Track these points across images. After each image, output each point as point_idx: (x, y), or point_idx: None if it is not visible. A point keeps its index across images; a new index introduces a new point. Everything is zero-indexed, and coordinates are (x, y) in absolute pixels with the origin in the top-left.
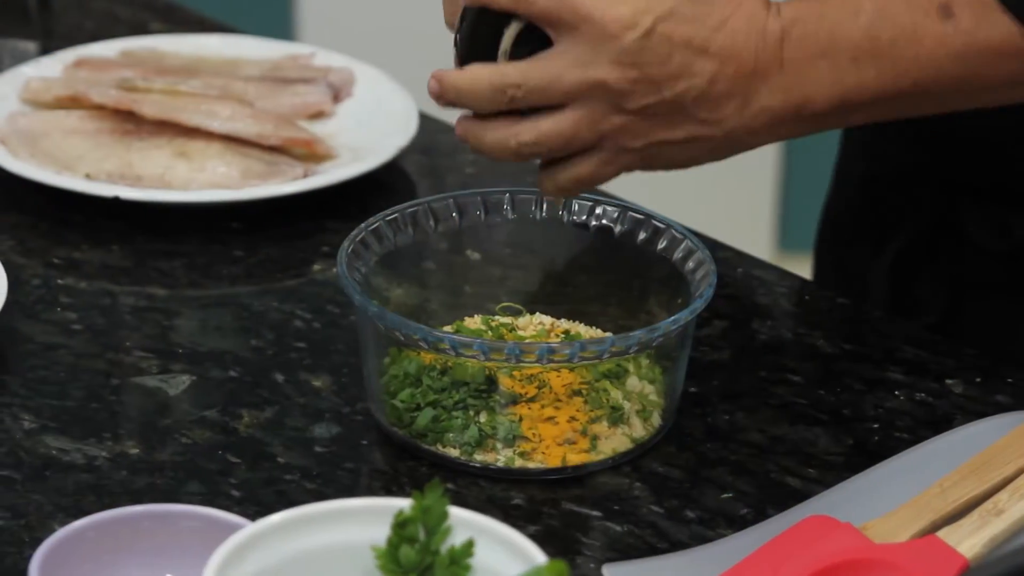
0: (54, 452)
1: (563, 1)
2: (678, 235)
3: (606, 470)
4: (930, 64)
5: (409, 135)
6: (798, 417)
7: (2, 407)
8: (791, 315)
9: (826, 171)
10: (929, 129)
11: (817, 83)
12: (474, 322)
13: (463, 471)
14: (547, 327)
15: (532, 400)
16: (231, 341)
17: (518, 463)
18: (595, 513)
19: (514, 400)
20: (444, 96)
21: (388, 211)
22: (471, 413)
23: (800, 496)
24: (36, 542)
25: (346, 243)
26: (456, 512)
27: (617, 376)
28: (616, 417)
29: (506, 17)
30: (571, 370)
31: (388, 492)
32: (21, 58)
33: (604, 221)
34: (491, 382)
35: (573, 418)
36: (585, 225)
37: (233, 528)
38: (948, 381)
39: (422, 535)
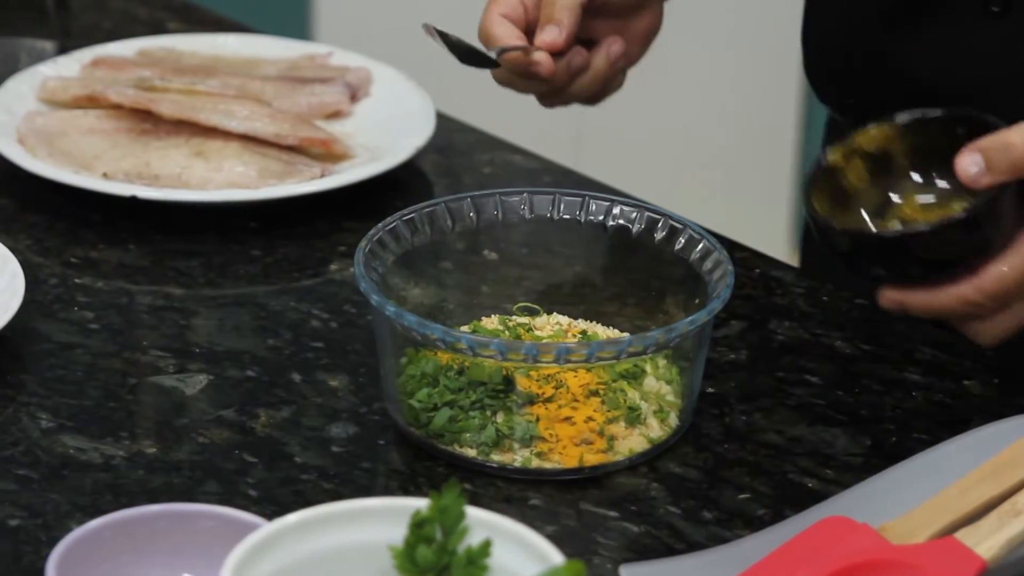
0: (71, 451)
1: None
2: (695, 235)
3: (623, 470)
4: None
5: (426, 135)
6: (816, 418)
7: (19, 406)
8: (809, 316)
9: None
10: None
11: None
12: (491, 322)
13: (480, 471)
14: (564, 327)
15: (549, 400)
16: (248, 341)
17: (535, 463)
18: (612, 514)
19: (531, 400)
20: (902, 309)
21: (405, 211)
22: (488, 413)
23: (818, 497)
24: (53, 541)
25: (363, 243)
26: (473, 512)
27: (634, 376)
28: (633, 417)
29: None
30: (588, 370)
31: (405, 492)
32: (39, 57)
33: (621, 221)
34: (508, 382)
35: (590, 418)
36: (602, 225)
37: (250, 528)
38: (966, 382)
39: (439, 535)
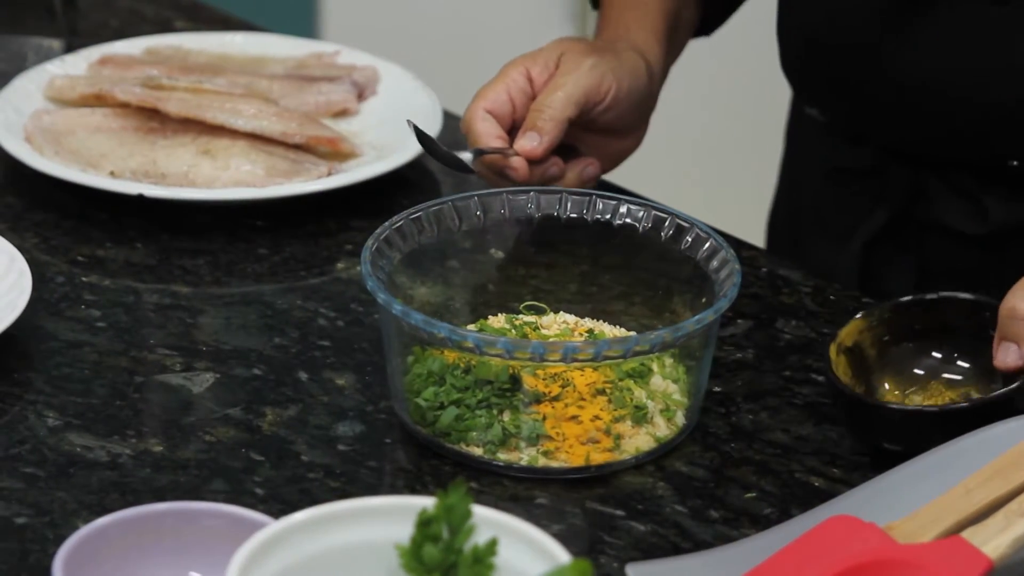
0: (78, 449)
1: None
2: (702, 234)
3: (629, 469)
4: None
5: (433, 133)
6: (822, 417)
7: (26, 404)
8: (815, 315)
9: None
10: (900, 108)
11: None
12: (498, 321)
13: (486, 470)
14: (571, 326)
15: (556, 399)
16: (255, 339)
17: (541, 462)
18: (619, 512)
19: (537, 399)
20: None
21: (412, 209)
22: (495, 412)
23: (824, 496)
24: (60, 539)
25: (370, 241)
26: (479, 511)
27: (641, 375)
28: (640, 416)
29: None
30: (595, 369)
31: (412, 491)
32: (46, 56)
33: (628, 220)
34: (515, 381)
35: (597, 417)
36: (609, 224)
37: (257, 526)
38: None
39: (446, 534)
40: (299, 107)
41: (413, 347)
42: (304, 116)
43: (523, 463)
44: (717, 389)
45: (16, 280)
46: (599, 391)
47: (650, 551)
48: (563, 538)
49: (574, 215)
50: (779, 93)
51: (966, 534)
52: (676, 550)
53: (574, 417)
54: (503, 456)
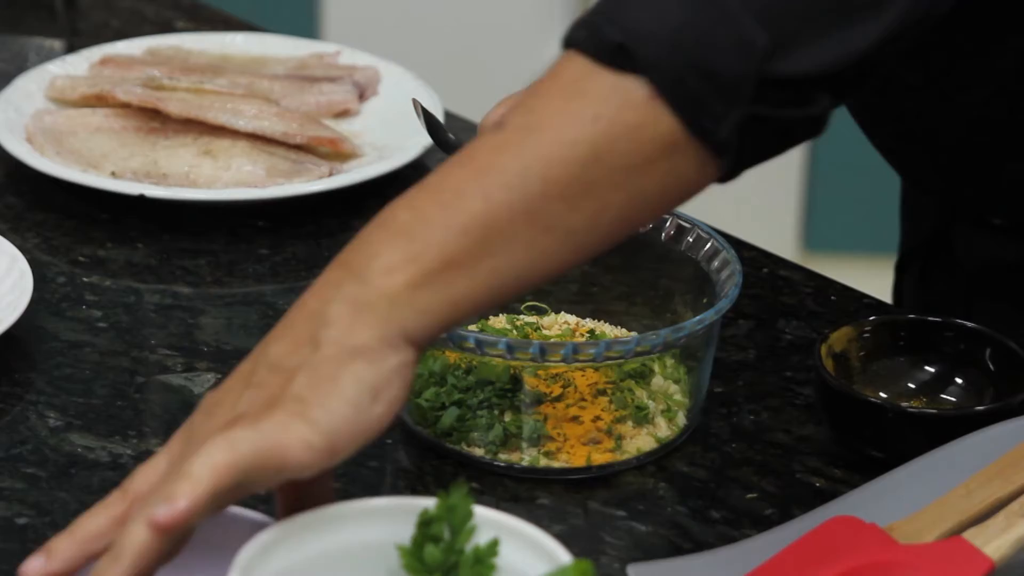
0: (79, 450)
1: None
2: (703, 234)
3: (631, 470)
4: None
5: (426, 133)
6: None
7: (28, 405)
8: (817, 315)
9: (851, 172)
10: (920, 155)
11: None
12: (499, 321)
13: (488, 470)
14: (572, 326)
15: (557, 399)
16: (256, 339)
17: (543, 462)
18: (620, 513)
19: (539, 399)
20: None
21: None
22: (496, 412)
23: (825, 496)
24: None
25: None
26: (481, 511)
27: (642, 376)
28: (641, 417)
29: None
30: (596, 369)
31: (413, 491)
32: (47, 56)
33: None
34: (516, 381)
35: (598, 418)
36: None
37: (259, 526)
38: None
39: (447, 534)
40: (300, 107)
41: None
42: (305, 116)
43: (524, 464)
44: (718, 389)
45: (17, 280)
46: (600, 391)
47: (651, 551)
48: (564, 538)
49: None
50: None
51: (967, 535)
52: (677, 550)
53: (575, 418)
54: (504, 456)
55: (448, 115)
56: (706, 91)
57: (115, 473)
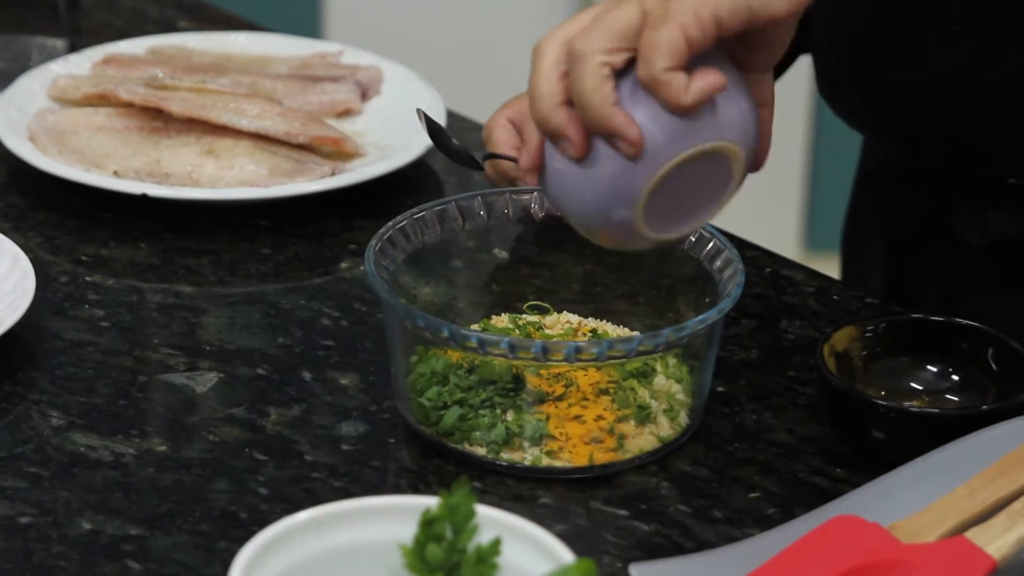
0: (82, 449)
1: None
2: (706, 234)
3: (633, 469)
4: None
5: (430, 140)
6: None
7: (30, 404)
8: (819, 314)
9: (853, 171)
10: (909, 126)
11: None
12: (501, 320)
13: (490, 470)
14: (574, 326)
15: (559, 399)
16: (258, 339)
17: (545, 462)
18: (622, 512)
19: (541, 399)
20: None
21: (416, 209)
22: (498, 412)
23: (828, 496)
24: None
25: (374, 241)
26: (483, 510)
27: (644, 375)
28: (643, 416)
29: None
30: (598, 369)
31: (415, 490)
32: (50, 55)
33: None
34: (518, 381)
35: (600, 417)
36: None
37: None
38: None
39: (449, 533)
40: (303, 107)
41: (417, 347)
42: (308, 116)
43: (527, 463)
44: (721, 389)
45: (20, 280)
46: (603, 391)
47: (654, 551)
48: (567, 538)
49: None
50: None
51: (970, 534)
52: (680, 550)
53: (577, 417)
54: (507, 456)
55: (451, 115)
56: None
57: (117, 472)
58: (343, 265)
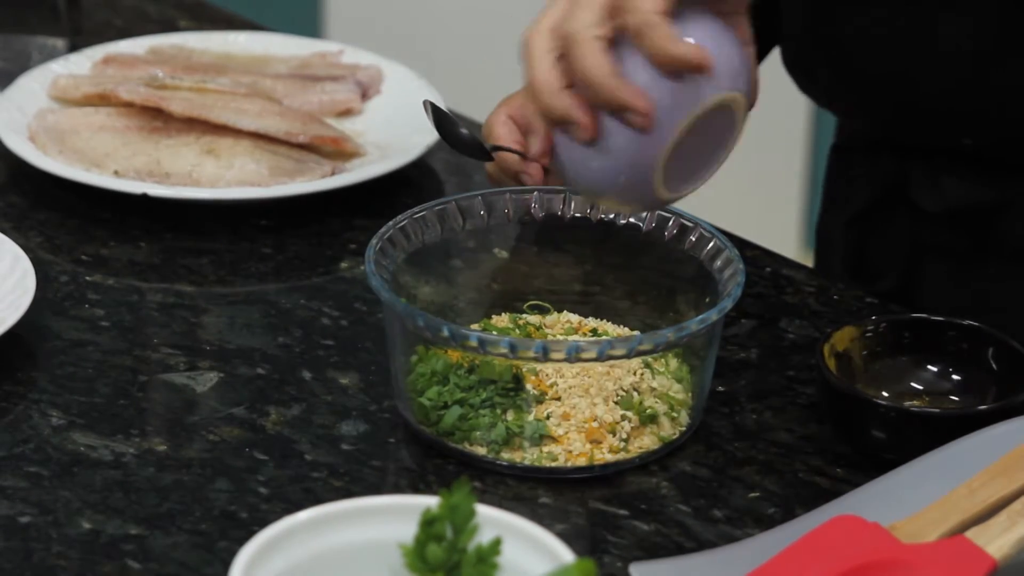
0: (82, 448)
1: None
2: (706, 234)
3: (633, 469)
4: None
5: (437, 133)
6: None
7: (30, 403)
8: (819, 314)
9: None
10: (873, 94)
11: None
12: (501, 320)
13: (490, 469)
14: (575, 325)
15: (559, 399)
16: (259, 338)
17: (545, 462)
18: (622, 512)
19: (541, 399)
20: None
21: (416, 209)
22: (498, 411)
23: (828, 496)
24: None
25: (374, 241)
26: (483, 510)
27: (645, 375)
28: (643, 416)
29: None
30: (599, 368)
31: (415, 490)
32: (50, 55)
33: (631, 219)
34: (518, 380)
35: (600, 417)
36: (613, 223)
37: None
38: None
39: (449, 533)
40: (303, 106)
41: (417, 346)
42: (308, 115)
43: (527, 463)
44: (721, 389)
45: (20, 279)
46: (603, 391)
47: (654, 551)
48: (567, 538)
49: (578, 215)
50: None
51: (970, 534)
52: (680, 550)
53: (577, 417)
54: (507, 456)
55: (451, 114)
56: None
57: (117, 472)
58: (343, 265)
